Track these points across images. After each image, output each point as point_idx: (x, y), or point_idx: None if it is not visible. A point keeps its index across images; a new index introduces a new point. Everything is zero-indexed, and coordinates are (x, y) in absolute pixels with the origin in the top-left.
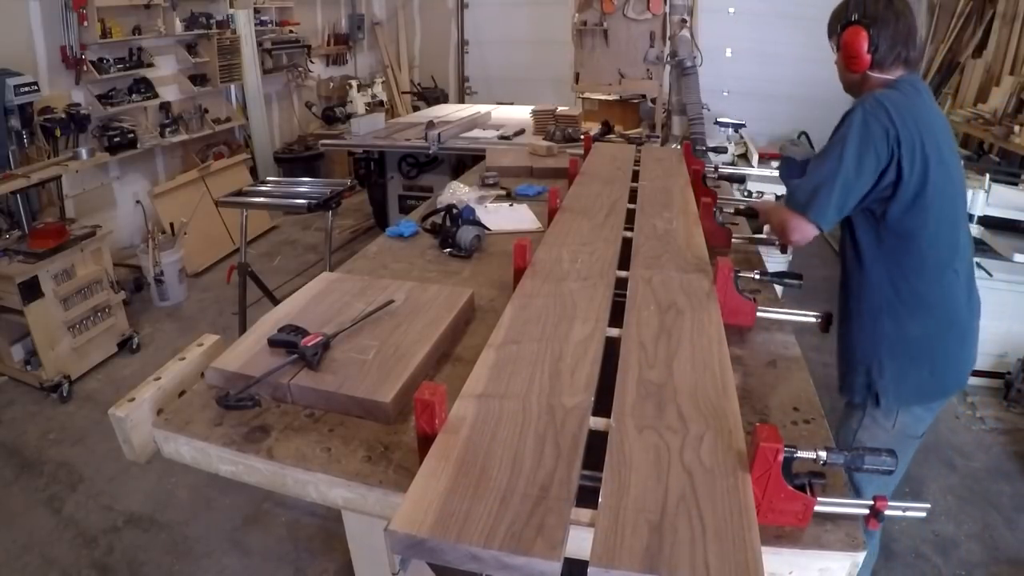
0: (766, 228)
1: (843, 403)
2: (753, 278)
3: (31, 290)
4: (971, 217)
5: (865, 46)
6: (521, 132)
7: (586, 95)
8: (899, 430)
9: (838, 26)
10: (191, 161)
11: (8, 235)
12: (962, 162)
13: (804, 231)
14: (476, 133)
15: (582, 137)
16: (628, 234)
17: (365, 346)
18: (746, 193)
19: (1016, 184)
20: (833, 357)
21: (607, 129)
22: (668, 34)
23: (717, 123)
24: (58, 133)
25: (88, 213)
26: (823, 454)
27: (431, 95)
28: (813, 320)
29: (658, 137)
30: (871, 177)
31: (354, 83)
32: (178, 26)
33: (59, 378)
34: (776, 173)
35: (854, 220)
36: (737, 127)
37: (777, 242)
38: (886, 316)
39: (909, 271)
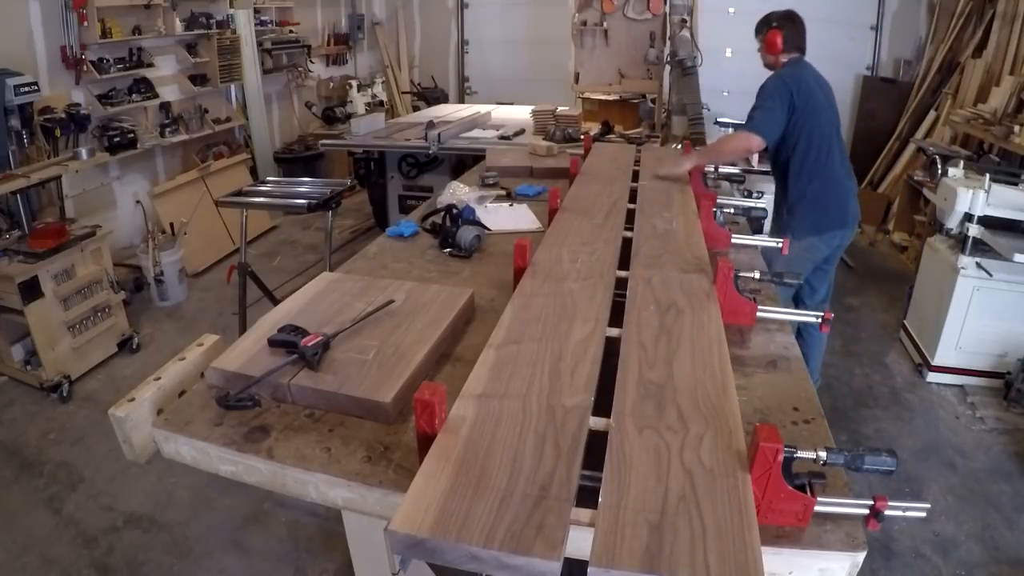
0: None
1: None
2: (753, 278)
3: (31, 290)
4: (971, 217)
5: (780, 40)
6: (521, 132)
7: (586, 95)
8: (803, 248)
9: (764, 28)
10: (191, 161)
11: (8, 235)
12: (836, 105)
13: (752, 141)
14: (476, 133)
15: (582, 137)
16: (628, 234)
17: (365, 346)
18: (745, 193)
19: (1016, 184)
20: (833, 357)
21: (607, 129)
22: (668, 34)
23: (717, 123)
24: (58, 133)
25: (88, 213)
26: (823, 454)
27: (431, 95)
28: (813, 320)
29: (658, 137)
30: (784, 109)
31: (354, 83)
32: (178, 26)
33: (59, 378)
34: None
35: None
36: (737, 127)
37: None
38: (794, 184)
39: (800, 159)
